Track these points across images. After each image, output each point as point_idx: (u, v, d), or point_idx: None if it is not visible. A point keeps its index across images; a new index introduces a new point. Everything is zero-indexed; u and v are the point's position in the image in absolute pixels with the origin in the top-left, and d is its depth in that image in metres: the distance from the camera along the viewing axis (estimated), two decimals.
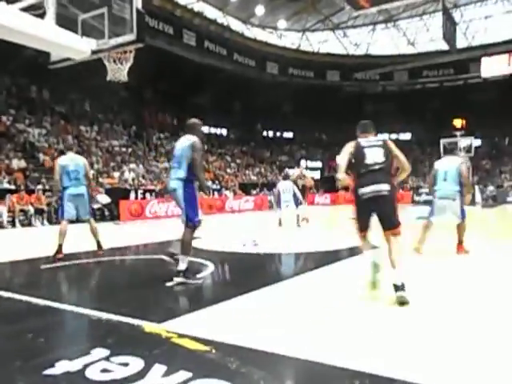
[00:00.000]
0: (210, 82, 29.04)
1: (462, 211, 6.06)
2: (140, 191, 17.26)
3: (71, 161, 6.51)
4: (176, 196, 4.69)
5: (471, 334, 3.01)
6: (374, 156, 3.82)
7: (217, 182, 23.30)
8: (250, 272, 5.51)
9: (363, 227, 3.91)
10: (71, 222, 6.54)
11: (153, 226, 13.15)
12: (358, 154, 3.85)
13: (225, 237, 9.57)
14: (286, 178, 11.97)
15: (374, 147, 3.89)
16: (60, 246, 6.18)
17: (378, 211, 3.78)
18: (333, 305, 3.77)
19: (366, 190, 3.74)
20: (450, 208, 6.02)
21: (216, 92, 30.25)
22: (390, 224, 3.80)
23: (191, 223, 4.76)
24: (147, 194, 17.42)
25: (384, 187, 3.75)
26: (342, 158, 3.87)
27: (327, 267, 5.49)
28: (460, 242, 6.25)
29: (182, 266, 4.62)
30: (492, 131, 33.10)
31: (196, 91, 28.90)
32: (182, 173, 4.62)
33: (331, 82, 35.98)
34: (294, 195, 11.30)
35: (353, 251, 6.88)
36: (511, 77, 31.51)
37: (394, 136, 38.30)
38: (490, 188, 25.80)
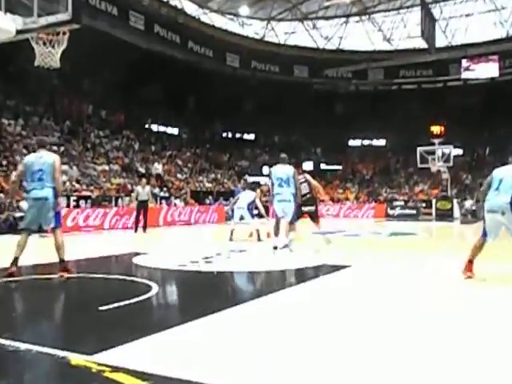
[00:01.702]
0: (161, 73, 28.80)
1: None
2: (73, 198, 16.79)
3: (38, 159, 6.20)
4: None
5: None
6: None
7: (165, 189, 23.04)
8: (200, 294, 5.46)
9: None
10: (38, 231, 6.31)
11: (88, 239, 12.80)
12: None
13: (173, 252, 9.44)
14: (250, 187, 12.50)
15: None
16: (15, 259, 6.04)
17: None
18: (294, 335, 3.77)
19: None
20: (502, 223, 5.63)
21: (167, 85, 30.04)
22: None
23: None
24: (81, 202, 16.97)
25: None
26: None
27: (290, 289, 5.50)
28: None
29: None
30: (473, 139, 34.62)
31: (144, 83, 28.58)
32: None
33: (299, 78, 36.56)
34: (251, 208, 11.56)
35: (318, 270, 6.96)
36: (493, 80, 33.27)
37: (367, 142, 39.41)
38: (469, 202, 26.88)
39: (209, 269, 7.01)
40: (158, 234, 15.33)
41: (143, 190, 14.94)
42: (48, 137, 20.76)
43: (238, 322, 4.08)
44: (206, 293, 5.53)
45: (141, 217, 14.82)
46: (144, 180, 16.00)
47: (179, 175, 26.99)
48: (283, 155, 8.93)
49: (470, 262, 5.83)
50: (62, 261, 6.26)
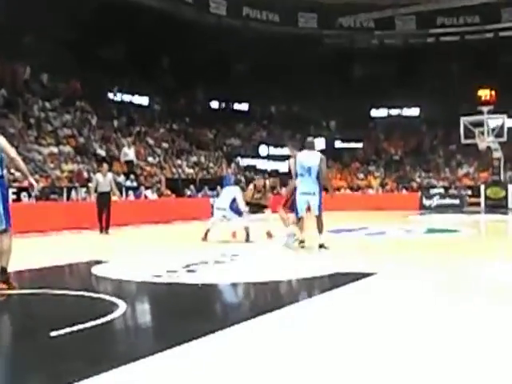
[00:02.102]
0: (126, 26, 28.64)
1: None
2: (12, 190, 16.72)
3: None
4: None
5: None
6: None
7: (132, 176, 23.00)
8: (180, 314, 5.46)
9: None
10: None
11: (33, 244, 12.77)
12: None
13: (145, 259, 9.44)
14: (235, 180, 12.91)
15: None
16: None
17: None
18: (296, 370, 3.78)
19: None
20: None
21: (133, 42, 29.89)
22: None
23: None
24: (23, 194, 16.93)
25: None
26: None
27: (292, 307, 5.51)
28: None
29: None
30: None
31: (104, 39, 28.42)
32: None
33: (306, 30, 36.43)
34: (235, 207, 11.81)
35: (331, 280, 6.98)
36: None
37: (395, 112, 39.37)
38: None
39: (191, 280, 7.01)
40: (125, 236, 15.29)
41: (104, 179, 14.94)
42: None
43: (228, 350, 4.09)
44: (188, 312, 5.52)
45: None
46: (105, 166, 15.98)
47: (150, 159, 26.94)
48: (310, 139, 10.29)
49: None
50: (3, 270, 6.26)
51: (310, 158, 9.73)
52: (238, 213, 11.88)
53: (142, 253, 10.75)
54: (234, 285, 6.99)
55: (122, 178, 21.77)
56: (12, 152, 6.50)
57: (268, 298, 6.51)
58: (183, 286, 6.79)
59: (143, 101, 33.25)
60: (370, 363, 3.69)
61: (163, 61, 34.12)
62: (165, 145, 29.31)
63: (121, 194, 20.92)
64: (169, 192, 23.51)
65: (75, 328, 4.52)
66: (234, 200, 11.88)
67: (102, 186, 14.85)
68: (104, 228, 14.81)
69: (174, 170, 26.72)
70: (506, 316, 4.96)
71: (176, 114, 33.22)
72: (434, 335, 4.40)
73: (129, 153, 23.84)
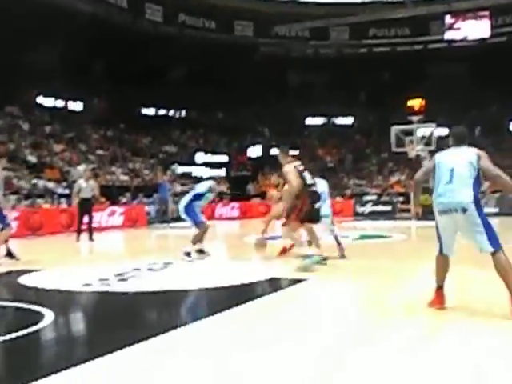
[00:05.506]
0: (58, 31, 28.03)
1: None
2: None
3: None
4: None
5: None
6: None
7: (65, 183, 22.54)
8: (108, 323, 5.44)
9: None
10: None
11: None
12: None
13: (75, 268, 9.27)
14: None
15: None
16: None
17: None
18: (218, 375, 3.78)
19: None
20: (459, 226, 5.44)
21: (67, 45, 29.29)
22: None
23: None
24: None
25: None
26: None
27: (219, 315, 5.50)
28: None
29: None
30: (459, 116, 35.88)
31: (34, 43, 27.73)
32: None
33: (242, 37, 36.63)
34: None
35: (265, 286, 7.02)
36: (483, 42, 34.65)
37: (329, 120, 40.01)
38: None
39: (122, 289, 6.96)
40: (55, 245, 14.99)
41: (87, 185, 14.56)
42: None
43: (153, 359, 4.05)
44: (115, 321, 5.49)
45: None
46: (88, 172, 15.62)
47: (84, 165, 26.44)
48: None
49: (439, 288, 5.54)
50: None
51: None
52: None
53: (72, 261, 10.53)
54: (166, 292, 6.92)
55: (52, 185, 21.29)
56: None
57: (197, 305, 6.54)
58: (113, 294, 6.73)
59: (77, 106, 32.69)
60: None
61: (97, 65, 33.56)
62: (100, 151, 28.88)
63: (52, 201, 20.54)
64: (103, 199, 23.04)
65: None
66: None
67: (85, 191, 14.49)
68: (89, 236, 14.56)
69: (108, 177, 26.29)
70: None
71: (111, 120, 32.72)
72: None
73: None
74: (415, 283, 7.24)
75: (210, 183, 10.63)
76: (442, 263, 5.46)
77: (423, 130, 28.02)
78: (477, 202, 5.18)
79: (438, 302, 5.45)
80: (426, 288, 5.81)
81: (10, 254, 9.93)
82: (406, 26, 35.92)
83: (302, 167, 8.51)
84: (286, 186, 8.84)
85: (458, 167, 5.29)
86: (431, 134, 28.08)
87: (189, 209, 10.13)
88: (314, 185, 8.55)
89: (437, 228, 5.45)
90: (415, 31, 36.22)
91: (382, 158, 36.23)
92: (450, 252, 5.41)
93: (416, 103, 31.29)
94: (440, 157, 5.54)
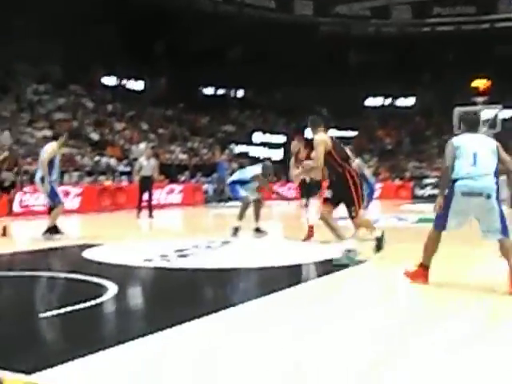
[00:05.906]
0: (119, 10, 28.43)
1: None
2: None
3: None
4: None
5: None
6: None
7: (125, 161, 22.95)
8: (167, 298, 5.51)
9: None
10: None
11: (25, 226, 12.78)
12: None
13: (137, 244, 9.46)
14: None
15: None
16: None
17: None
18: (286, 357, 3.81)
19: None
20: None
21: (129, 25, 29.65)
22: None
23: None
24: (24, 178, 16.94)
25: None
26: None
27: (281, 293, 5.53)
28: None
29: None
30: None
31: (98, 22, 28.18)
32: None
33: (301, 17, 36.26)
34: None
35: (322, 266, 7.02)
36: None
37: (389, 101, 39.34)
38: None
39: (182, 265, 7.04)
40: (116, 221, 15.31)
41: (148, 163, 14.86)
42: None
43: (215, 335, 4.11)
44: (176, 297, 5.56)
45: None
46: (149, 150, 15.92)
47: (144, 144, 26.84)
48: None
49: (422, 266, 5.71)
50: None
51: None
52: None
53: (133, 237, 10.76)
54: (224, 270, 6.99)
55: (114, 163, 21.69)
56: None
57: (258, 283, 6.52)
58: (173, 270, 6.82)
59: (138, 85, 33.11)
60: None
61: (158, 46, 33.88)
62: (160, 130, 29.21)
63: (113, 178, 20.97)
64: (162, 177, 23.39)
65: (65, 310, 4.55)
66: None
67: (145, 169, 14.75)
68: (148, 213, 14.87)
69: (167, 156, 26.62)
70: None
71: (171, 99, 33.03)
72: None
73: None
74: (478, 268, 7.09)
75: (257, 171, 10.34)
76: (436, 240, 5.61)
77: (488, 112, 27.23)
78: (497, 191, 5.36)
79: (424, 279, 5.67)
80: (492, 272, 5.72)
81: (53, 230, 9.74)
82: (472, 4, 34.77)
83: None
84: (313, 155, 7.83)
85: (481, 152, 5.40)
86: (496, 115, 27.27)
87: (233, 186, 10.51)
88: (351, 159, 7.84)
89: (446, 206, 5.49)
90: (481, 9, 34.99)
91: (443, 140, 35.32)
92: (453, 228, 5.55)
93: (481, 84, 30.34)
94: (458, 140, 5.58)
